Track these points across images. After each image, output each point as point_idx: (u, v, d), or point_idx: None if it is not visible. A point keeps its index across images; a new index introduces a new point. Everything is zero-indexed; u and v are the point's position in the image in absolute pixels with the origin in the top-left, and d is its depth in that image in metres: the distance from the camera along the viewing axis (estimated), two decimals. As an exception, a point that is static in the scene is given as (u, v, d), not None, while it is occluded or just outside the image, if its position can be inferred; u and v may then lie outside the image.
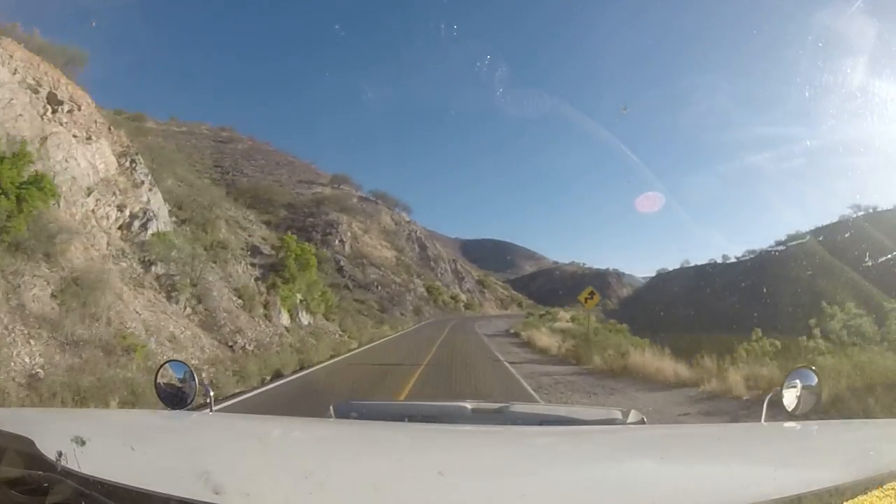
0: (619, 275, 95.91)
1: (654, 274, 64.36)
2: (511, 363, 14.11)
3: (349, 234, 39.97)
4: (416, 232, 56.28)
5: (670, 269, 57.39)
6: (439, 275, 52.75)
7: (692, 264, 52.51)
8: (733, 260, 45.85)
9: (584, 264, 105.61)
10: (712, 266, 47.14)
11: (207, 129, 52.41)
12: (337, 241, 37.81)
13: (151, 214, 12.19)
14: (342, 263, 34.67)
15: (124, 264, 10.60)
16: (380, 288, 34.84)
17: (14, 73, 10.14)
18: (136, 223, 11.72)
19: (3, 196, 7.47)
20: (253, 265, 16.48)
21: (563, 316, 37.99)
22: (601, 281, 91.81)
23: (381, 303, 32.52)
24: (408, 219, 57.07)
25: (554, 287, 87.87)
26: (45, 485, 0.74)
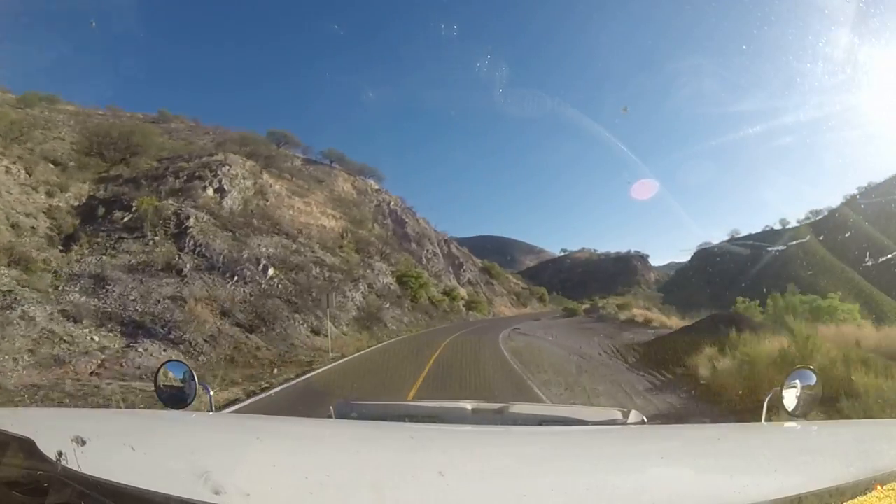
0: (642, 257, 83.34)
1: (694, 250, 54.30)
2: None
3: (248, 185, 23.91)
4: (388, 203, 42.72)
5: (715, 242, 47.24)
6: (424, 260, 38.85)
7: (743, 234, 42.84)
8: (795, 224, 37.88)
9: (595, 250, 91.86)
10: (769, 234, 38.24)
11: (142, 116, 40.16)
12: (210, 191, 21.39)
13: None
14: (190, 223, 18.09)
15: None
16: (270, 274, 17.78)
17: None
18: None
19: None
20: None
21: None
22: (625, 266, 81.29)
23: (252, 309, 15.44)
24: (377, 187, 43.40)
25: (567, 277, 77.91)
26: (45, 485, 0.74)
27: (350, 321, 19.20)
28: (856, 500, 0.70)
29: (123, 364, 10.20)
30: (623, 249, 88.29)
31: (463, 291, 38.63)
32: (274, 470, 0.92)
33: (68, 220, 17.13)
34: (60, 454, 0.74)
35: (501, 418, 1.57)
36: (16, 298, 11.41)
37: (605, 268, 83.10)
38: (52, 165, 20.02)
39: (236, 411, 7.03)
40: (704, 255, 50.19)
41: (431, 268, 38.23)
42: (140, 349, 11.10)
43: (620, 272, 79.05)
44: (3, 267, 12.65)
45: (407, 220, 42.72)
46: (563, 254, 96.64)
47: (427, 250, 41.02)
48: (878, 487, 0.72)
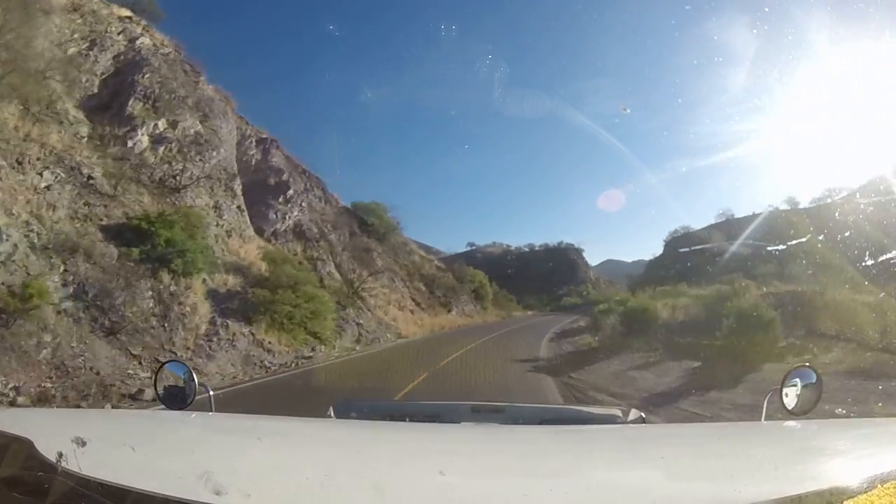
0: (578, 251, 66.87)
1: (666, 238, 44.56)
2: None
3: None
4: (135, 38, 17.04)
5: (696, 228, 33.44)
6: (164, 149, 14.56)
7: (739, 216, 34.79)
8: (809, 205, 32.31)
9: (507, 245, 73.47)
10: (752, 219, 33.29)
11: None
12: None
13: None
14: None
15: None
16: None
17: None
18: None
19: None
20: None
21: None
22: (563, 261, 65.12)
23: None
24: (126, 14, 17.46)
25: (490, 273, 56.73)
26: (45, 485, 0.74)
27: None
28: (856, 500, 0.70)
29: None
30: (551, 242, 73.61)
31: (259, 254, 15.29)
32: (274, 470, 0.91)
33: None
34: (60, 455, 0.74)
35: (501, 417, 1.58)
36: None
37: (536, 262, 65.30)
38: None
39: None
40: (683, 244, 41.50)
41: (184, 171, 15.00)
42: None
43: (557, 268, 64.70)
44: None
45: (159, 68, 17.43)
46: (470, 248, 74.27)
47: (192, 129, 16.61)
48: (878, 487, 0.72)
